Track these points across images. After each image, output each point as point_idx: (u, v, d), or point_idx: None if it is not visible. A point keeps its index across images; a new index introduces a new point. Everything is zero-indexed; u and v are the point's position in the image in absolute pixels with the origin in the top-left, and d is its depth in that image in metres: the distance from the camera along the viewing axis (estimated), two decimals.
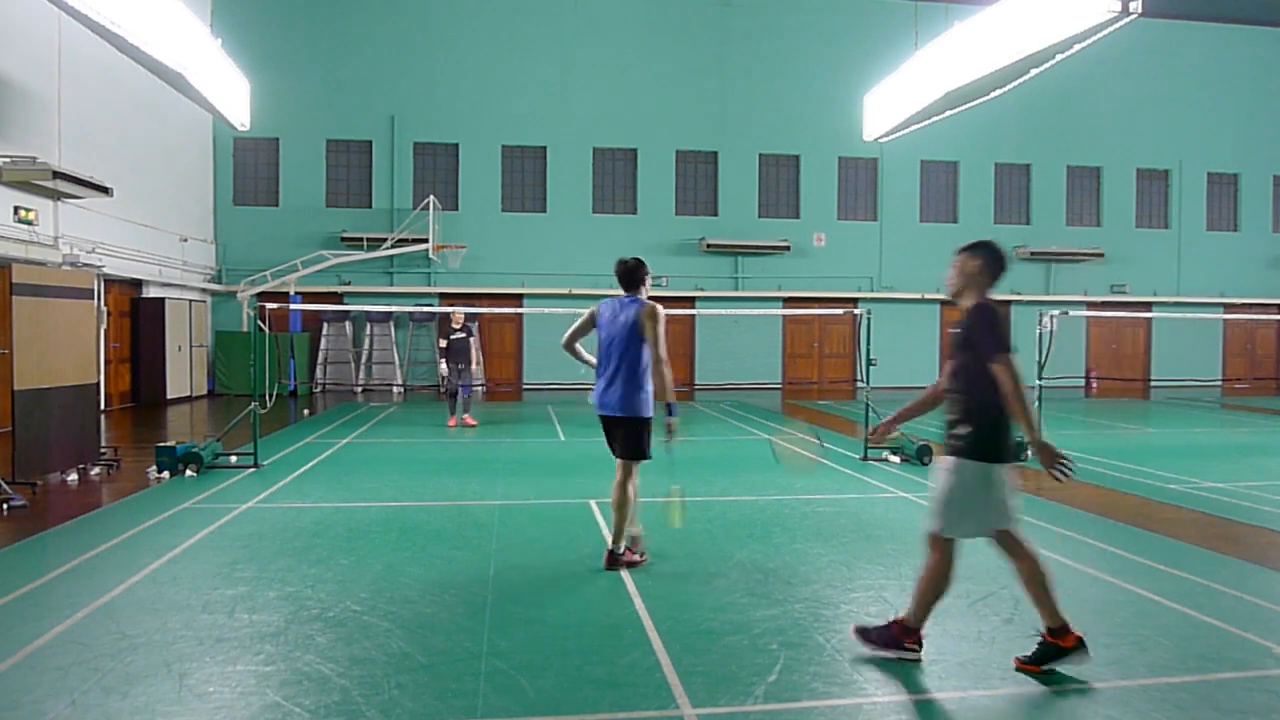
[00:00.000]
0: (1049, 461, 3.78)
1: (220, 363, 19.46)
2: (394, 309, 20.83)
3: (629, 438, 5.63)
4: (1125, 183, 24.96)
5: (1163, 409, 18.36)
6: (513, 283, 21.93)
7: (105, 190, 14.01)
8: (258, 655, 4.15)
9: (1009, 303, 24.21)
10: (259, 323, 10.11)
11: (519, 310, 19.95)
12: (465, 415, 13.81)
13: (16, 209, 12.80)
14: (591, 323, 5.83)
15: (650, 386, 5.64)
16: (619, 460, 5.73)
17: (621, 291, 5.81)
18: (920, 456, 9.95)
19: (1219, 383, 25.26)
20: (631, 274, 5.76)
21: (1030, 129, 24.01)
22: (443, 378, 13.63)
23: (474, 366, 13.90)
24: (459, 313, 13.53)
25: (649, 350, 5.58)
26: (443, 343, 13.51)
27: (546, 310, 19.52)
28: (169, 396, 17.40)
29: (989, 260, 4.13)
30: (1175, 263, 25.07)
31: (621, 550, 5.70)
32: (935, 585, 4.07)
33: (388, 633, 4.46)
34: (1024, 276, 24.28)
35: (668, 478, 5.94)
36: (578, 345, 5.96)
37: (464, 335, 13.44)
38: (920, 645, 4.14)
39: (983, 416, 3.93)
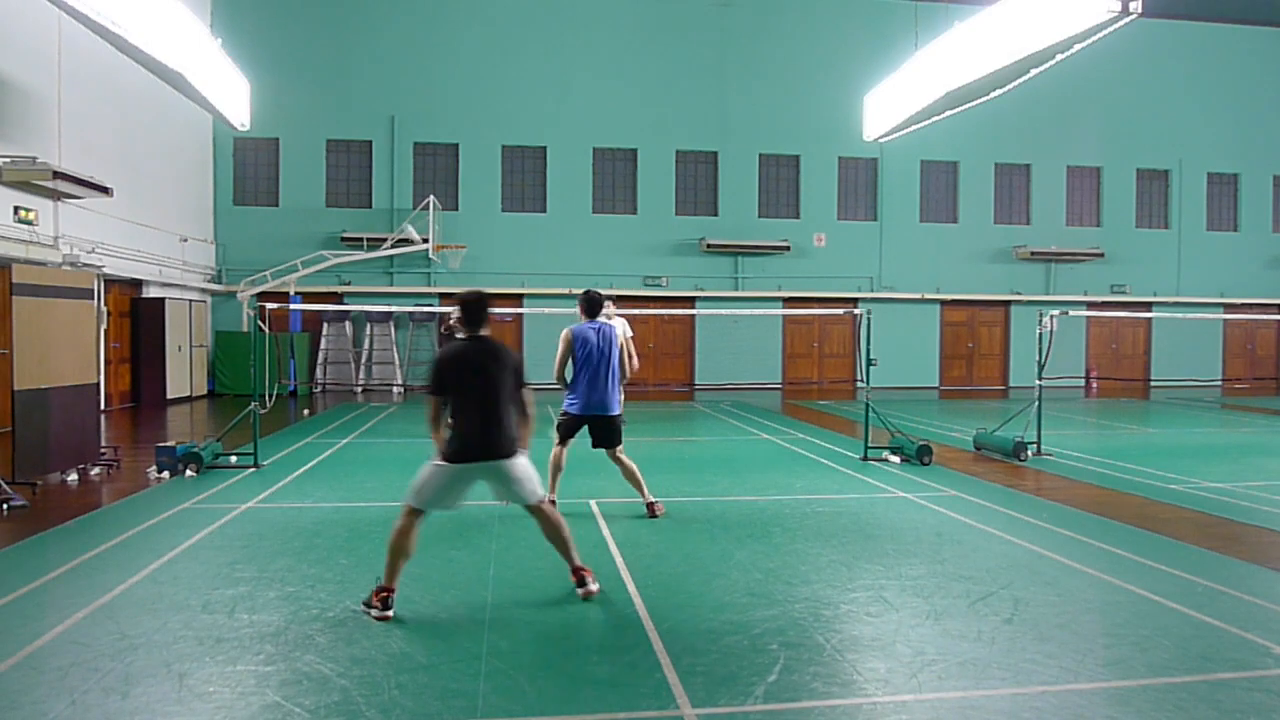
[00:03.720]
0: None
1: (220, 363, 19.45)
2: (394, 309, 20.80)
3: (616, 429, 7.16)
4: (1125, 183, 24.96)
5: (1163, 409, 18.36)
6: (513, 283, 21.93)
7: (105, 190, 14.00)
8: (258, 655, 4.15)
9: (1009, 303, 24.27)
10: (259, 323, 10.11)
11: (519, 310, 19.95)
12: None
13: (16, 209, 12.80)
14: (570, 349, 7.08)
15: None
16: (612, 449, 7.14)
17: (584, 318, 7.17)
18: (920, 456, 9.94)
19: (1219, 383, 25.26)
20: (599, 304, 7.26)
21: (1030, 129, 24.01)
22: None
23: None
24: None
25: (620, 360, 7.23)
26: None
27: (546, 310, 19.51)
28: (169, 396, 17.39)
29: (460, 309, 5.13)
30: (1175, 263, 25.07)
31: (655, 500, 7.23)
32: (397, 546, 4.90)
33: (388, 633, 4.46)
34: (1024, 276, 24.30)
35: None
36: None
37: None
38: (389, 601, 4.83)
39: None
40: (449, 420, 4.94)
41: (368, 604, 4.77)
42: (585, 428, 7.18)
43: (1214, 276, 24.95)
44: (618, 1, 22.69)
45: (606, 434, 7.13)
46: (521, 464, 4.97)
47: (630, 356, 9.46)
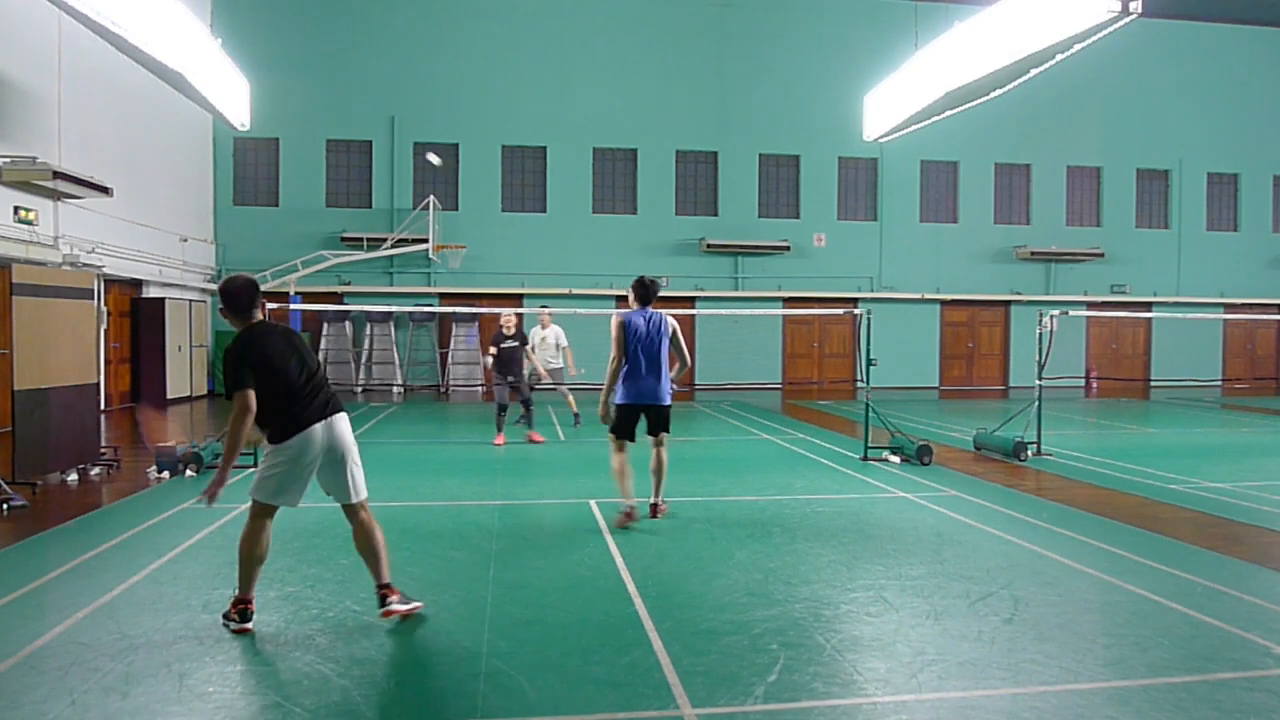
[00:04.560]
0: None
1: (220, 363, 19.44)
2: (394, 309, 20.82)
3: (668, 417, 7.11)
4: (1125, 183, 24.96)
5: (1163, 409, 18.36)
6: (513, 283, 21.93)
7: (105, 190, 14.01)
8: (258, 655, 4.15)
9: (1009, 303, 24.26)
10: None
11: (519, 310, 19.92)
12: (531, 430, 12.05)
13: (16, 209, 12.80)
14: (623, 336, 6.89)
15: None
16: (658, 435, 7.07)
17: (635, 304, 7.07)
18: (920, 456, 9.94)
19: (1219, 383, 25.26)
20: (653, 289, 7.11)
21: (1030, 129, 24.00)
22: (497, 388, 12.02)
23: (527, 377, 12.22)
24: (510, 316, 11.97)
25: (672, 351, 7.14)
26: (493, 350, 11.75)
27: (546, 310, 19.53)
28: (169, 396, 17.40)
29: (222, 298, 4.67)
30: (1175, 263, 25.07)
31: (663, 501, 7.17)
32: (248, 552, 4.63)
33: (388, 633, 4.46)
34: (1024, 276, 24.30)
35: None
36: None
37: (516, 344, 11.87)
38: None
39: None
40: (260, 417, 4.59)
41: (226, 616, 4.48)
42: (642, 419, 6.99)
43: (1214, 276, 24.95)
44: (618, 1, 22.69)
45: (660, 421, 7.04)
46: (350, 438, 4.68)
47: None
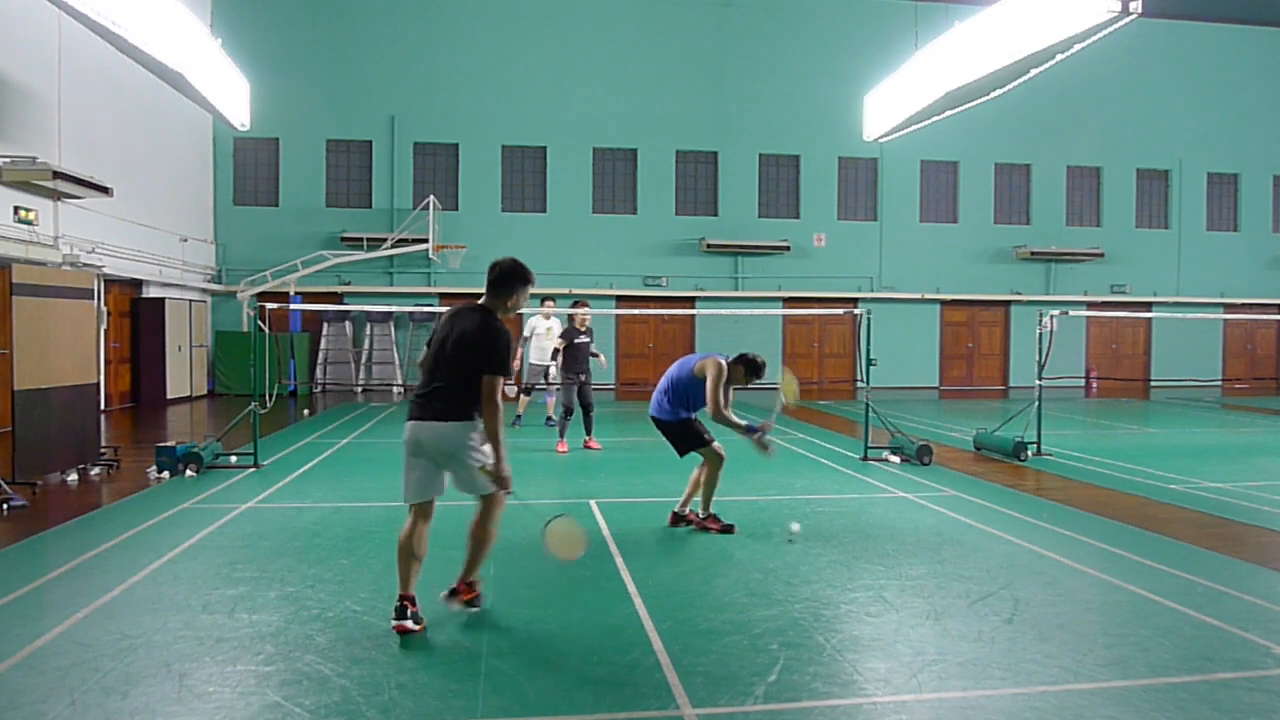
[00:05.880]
0: None
1: (220, 363, 19.45)
2: (394, 309, 20.81)
3: (668, 434, 6.95)
4: (1125, 183, 24.95)
5: (1163, 409, 18.36)
6: None
7: (105, 190, 14.00)
8: (258, 655, 4.15)
9: (1009, 303, 24.25)
10: (259, 323, 10.10)
11: (519, 310, 19.92)
12: (589, 436, 11.00)
13: (16, 209, 12.80)
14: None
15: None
16: (686, 454, 6.99)
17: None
18: (920, 456, 9.94)
19: (1219, 383, 25.26)
20: (754, 366, 7.15)
21: (1030, 129, 24.00)
22: (565, 389, 11.08)
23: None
24: (587, 312, 11.12)
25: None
26: (560, 342, 11.10)
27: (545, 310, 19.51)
28: (169, 396, 17.39)
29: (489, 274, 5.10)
30: (1175, 263, 25.06)
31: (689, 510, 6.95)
32: (400, 545, 4.59)
33: (388, 633, 4.45)
34: (1024, 276, 24.29)
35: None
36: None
37: (587, 340, 11.07)
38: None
39: None
40: None
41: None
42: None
43: (1214, 276, 24.94)
44: (618, 1, 22.69)
45: (667, 438, 6.92)
46: (458, 442, 4.49)
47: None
